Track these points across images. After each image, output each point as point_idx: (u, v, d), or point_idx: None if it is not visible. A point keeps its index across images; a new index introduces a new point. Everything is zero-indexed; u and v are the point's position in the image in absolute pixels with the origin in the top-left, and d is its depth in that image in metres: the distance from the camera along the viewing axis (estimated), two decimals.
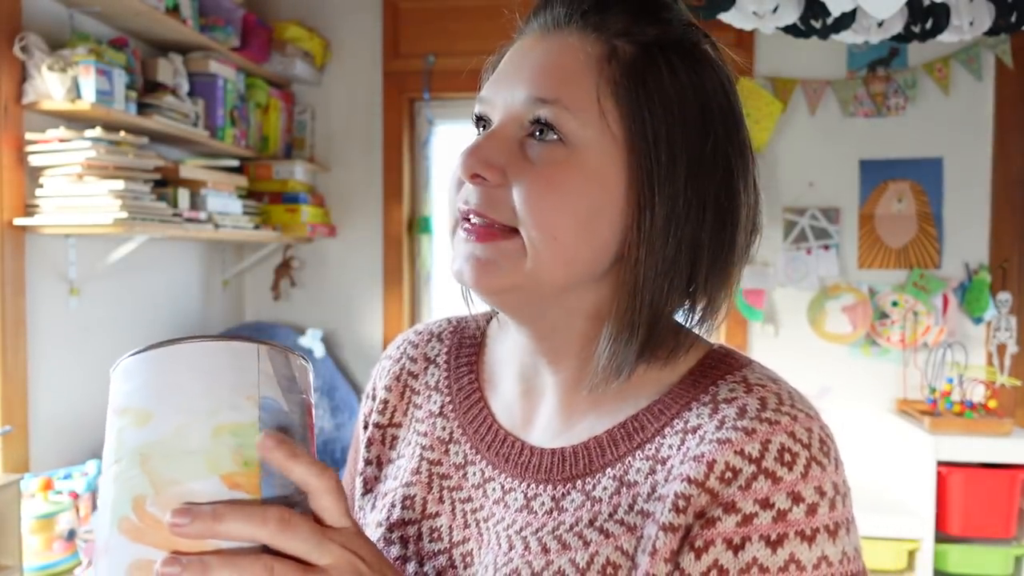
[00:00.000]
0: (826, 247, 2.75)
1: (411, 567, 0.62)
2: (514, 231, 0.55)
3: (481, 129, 0.60)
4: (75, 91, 1.92)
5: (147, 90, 2.22)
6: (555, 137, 0.55)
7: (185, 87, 2.35)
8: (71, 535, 1.80)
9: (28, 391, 1.99)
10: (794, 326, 2.78)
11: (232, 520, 0.40)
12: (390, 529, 0.64)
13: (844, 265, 2.77)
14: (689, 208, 0.55)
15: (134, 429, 0.43)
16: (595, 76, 0.55)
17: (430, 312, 3.06)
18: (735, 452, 0.51)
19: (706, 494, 0.51)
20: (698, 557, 0.50)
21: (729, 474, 0.51)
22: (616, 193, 0.55)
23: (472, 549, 0.61)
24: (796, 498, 0.50)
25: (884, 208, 2.75)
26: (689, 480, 0.51)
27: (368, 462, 0.71)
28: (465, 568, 0.61)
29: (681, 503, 0.51)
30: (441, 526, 0.63)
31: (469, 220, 0.56)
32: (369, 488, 0.70)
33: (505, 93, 0.57)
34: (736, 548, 0.49)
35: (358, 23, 2.93)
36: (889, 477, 2.57)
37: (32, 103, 1.92)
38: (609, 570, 0.53)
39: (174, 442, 0.42)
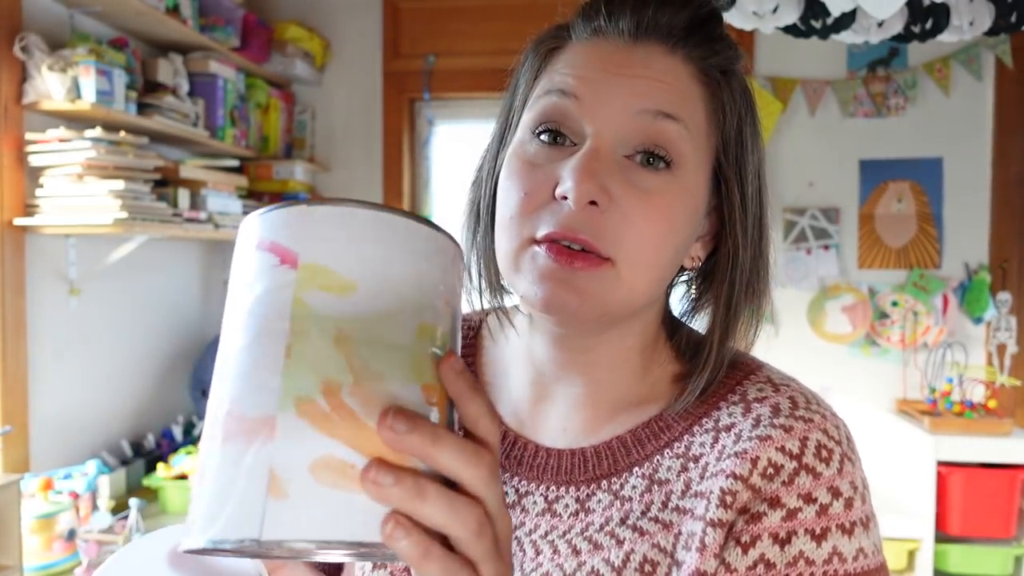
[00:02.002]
0: (826, 247, 2.75)
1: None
2: (608, 259, 0.52)
3: (554, 129, 0.54)
4: (75, 91, 1.92)
5: (147, 90, 2.22)
6: (668, 157, 0.53)
7: (185, 87, 2.35)
8: (71, 535, 1.80)
9: (28, 391, 1.99)
10: (794, 326, 2.78)
11: (448, 449, 0.35)
12: None
13: (844, 265, 2.77)
14: (760, 221, 0.58)
15: (329, 295, 0.35)
16: (704, 97, 0.56)
17: None
18: (776, 449, 0.52)
19: (749, 490, 0.52)
20: (745, 552, 0.51)
21: (771, 470, 0.52)
22: (700, 213, 0.57)
23: None
24: (835, 493, 0.52)
25: (884, 208, 2.75)
26: (735, 476, 0.52)
27: None
28: None
29: (728, 499, 0.52)
30: None
31: (556, 242, 0.51)
32: None
33: (609, 100, 0.53)
34: (783, 542, 0.50)
35: (358, 23, 2.93)
36: (889, 477, 2.57)
37: (32, 103, 1.92)
38: (647, 567, 0.53)
39: (379, 328, 0.35)
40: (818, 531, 0.50)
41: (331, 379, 0.34)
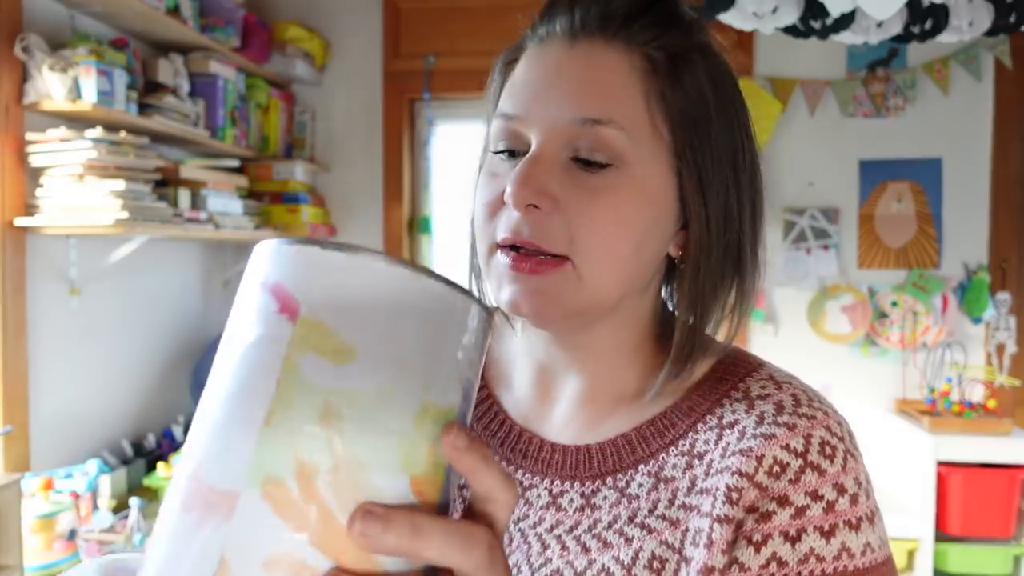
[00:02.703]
0: (826, 247, 2.76)
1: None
2: (564, 258, 0.53)
3: (506, 147, 0.56)
4: (76, 91, 1.93)
5: (148, 90, 2.23)
6: (605, 160, 0.53)
7: (185, 87, 2.35)
8: (71, 535, 1.80)
9: (28, 391, 1.99)
10: (794, 326, 2.78)
11: (434, 540, 0.32)
12: None
13: (844, 265, 2.77)
14: (737, 205, 0.57)
15: (323, 361, 0.31)
16: (643, 90, 0.54)
17: None
18: (781, 447, 0.53)
19: (755, 488, 0.52)
20: (757, 551, 0.51)
21: (777, 468, 0.52)
22: (665, 203, 0.56)
23: None
24: (840, 489, 0.52)
25: (884, 208, 2.75)
26: (740, 473, 0.52)
27: None
28: None
29: (734, 495, 0.52)
30: None
31: (513, 248, 0.54)
32: None
33: (544, 111, 0.54)
34: (793, 540, 0.51)
35: (358, 23, 2.93)
36: (889, 477, 2.57)
37: (33, 103, 1.93)
38: (656, 564, 0.54)
39: (373, 407, 0.31)
40: (826, 528, 0.51)
41: (307, 461, 0.30)
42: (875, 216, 2.75)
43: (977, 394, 2.55)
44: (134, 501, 1.91)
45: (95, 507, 1.98)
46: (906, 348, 2.69)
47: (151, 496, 2.18)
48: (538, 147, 0.54)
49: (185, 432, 2.60)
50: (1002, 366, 2.65)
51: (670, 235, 0.58)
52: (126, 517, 1.94)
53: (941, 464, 2.35)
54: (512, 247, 0.54)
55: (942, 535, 2.39)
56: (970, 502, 2.33)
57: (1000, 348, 2.66)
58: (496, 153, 0.57)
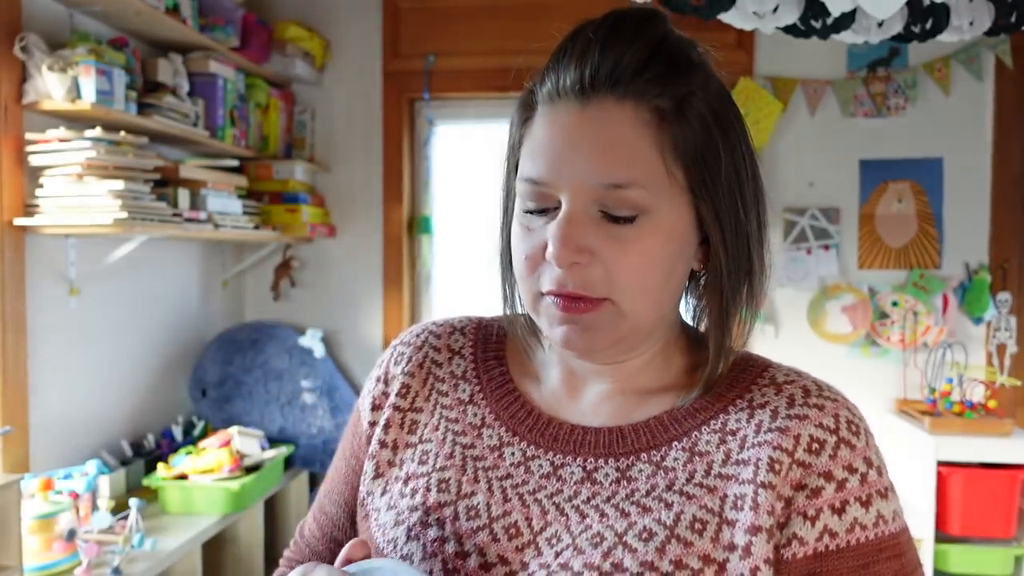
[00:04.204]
0: (826, 247, 2.75)
1: (450, 547, 0.64)
2: (605, 299, 0.60)
3: (536, 208, 0.61)
4: (75, 91, 1.92)
5: (147, 90, 2.22)
6: (631, 214, 0.58)
7: (185, 87, 2.35)
8: (71, 535, 1.80)
9: (28, 391, 1.99)
10: (794, 326, 2.78)
11: None
12: (427, 512, 0.66)
13: (844, 265, 2.77)
14: (746, 218, 0.62)
15: None
16: (657, 143, 0.58)
17: (430, 312, 3.06)
18: (815, 425, 0.60)
19: (798, 466, 0.58)
20: (812, 524, 0.58)
21: (816, 445, 0.59)
22: (687, 233, 0.62)
23: (516, 520, 0.63)
24: (868, 463, 0.60)
25: (884, 208, 2.75)
26: (780, 448, 0.59)
27: (384, 444, 0.72)
28: (511, 539, 0.63)
29: (776, 466, 0.58)
30: (478, 504, 0.65)
31: (560, 295, 0.60)
32: (380, 472, 0.71)
33: (570, 173, 0.59)
34: (839, 512, 0.58)
35: (358, 23, 2.93)
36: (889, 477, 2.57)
37: (32, 103, 1.92)
38: (697, 525, 0.59)
39: None
40: (864, 498, 0.58)
41: None
42: (876, 216, 2.75)
43: (978, 394, 2.54)
44: (133, 502, 1.90)
45: (94, 507, 1.97)
46: (907, 348, 2.68)
47: (150, 496, 2.17)
48: (569, 207, 0.59)
49: (185, 432, 2.60)
50: (1003, 366, 2.65)
51: (692, 255, 0.64)
52: (125, 517, 1.94)
53: (941, 464, 2.34)
54: (558, 295, 0.60)
55: (942, 535, 2.38)
56: (970, 502, 2.33)
57: (1001, 348, 2.66)
58: (527, 212, 0.63)
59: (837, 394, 0.63)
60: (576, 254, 0.58)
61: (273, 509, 2.69)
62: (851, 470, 0.59)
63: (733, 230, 0.62)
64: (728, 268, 0.62)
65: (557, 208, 0.60)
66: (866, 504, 0.58)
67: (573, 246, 0.58)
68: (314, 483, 2.82)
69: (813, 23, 1.76)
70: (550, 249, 0.58)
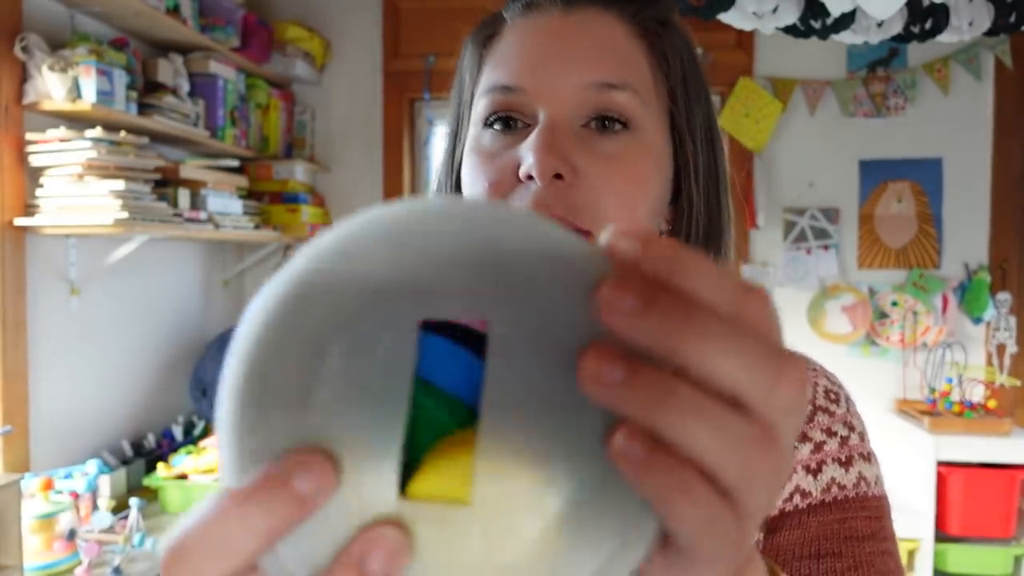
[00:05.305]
0: (826, 247, 2.75)
1: None
2: (588, 232, 0.50)
3: (500, 119, 0.54)
4: (76, 91, 1.92)
5: (147, 90, 2.22)
6: (619, 124, 0.52)
7: (185, 87, 2.35)
8: (71, 535, 1.80)
9: (28, 391, 1.99)
10: (794, 326, 2.78)
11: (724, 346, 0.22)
12: None
13: (844, 265, 2.77)
14: (713, 170, 0.60)
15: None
16: (647, 55, 0.55)
17: None
18: None
19: None
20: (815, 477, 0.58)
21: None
22: (667, 168, 0.57)
23: None
24: (850, 427, 0.60)
25: (884, 208, 2.75)
26: None
27: None
28: None
29: None
30: None
31: None
32: None
33: (551, 78, 0.52)
34: (814, 472, 0.58)
35: (358, 23, 2.93)
36: (889, 477, 2.56)
37: (33, 103, 1.92)
38: None
39: None
40: (843, 459, 0.58)
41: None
42: (875, 216, 2.75)
43: (977, 394, 2.54)
44: (134, 501, 1.90)
45: (95, 507, 1.98)
46: (906, 348, 2.68)
47: (151, 496, 2.17)
48: (550, 115, 0.51)
49: (185, 432, 2.60)
50: (1002, 366, 2.65)
51: (665, 206, 0.58)
52: (126, 517, 1.94)
53: (941, 464, 2.34)
54: None
55: (942, 535, 2.38)
56: (970, 502, 2.33)
57: (1000, 348, 2.66)
58: (489, 126, 0.54)
59: (816, 366, 0.63)
60: (561, 163, 0.49)
61: None
62: (829, 433, 0.59)
63: (709, 166, 0.58)
64: (699, 205, 0.57)
65: (528, 127, 0.53)
66: (845, 464, 0.58)
67: (558, 154, 0.49)
68: None
69: (813, 23, 1.77)
70: (528, 161, 0.49)
